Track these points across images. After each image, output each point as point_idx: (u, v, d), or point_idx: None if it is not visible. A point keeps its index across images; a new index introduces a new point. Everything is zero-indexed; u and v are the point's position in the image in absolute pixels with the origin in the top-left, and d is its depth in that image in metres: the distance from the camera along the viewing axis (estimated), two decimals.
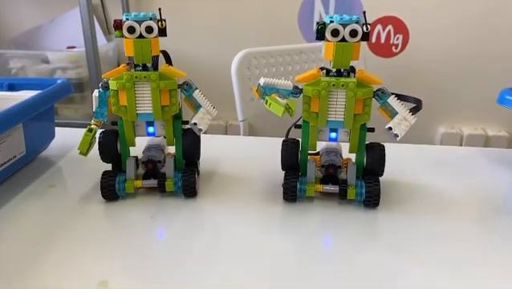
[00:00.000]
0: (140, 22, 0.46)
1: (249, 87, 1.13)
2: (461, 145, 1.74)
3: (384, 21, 1.62)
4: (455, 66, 1.66)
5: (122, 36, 0.47)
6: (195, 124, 0.49)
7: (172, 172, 0.51)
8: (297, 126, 0.50)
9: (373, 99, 0.47)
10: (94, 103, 0.50)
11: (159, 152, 0.52)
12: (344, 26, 0.44)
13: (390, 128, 0.47)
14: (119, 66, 0.49)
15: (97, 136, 0.50)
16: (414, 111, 0.48)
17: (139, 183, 0.51)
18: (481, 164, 0.64)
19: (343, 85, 0.45)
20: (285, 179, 0.50)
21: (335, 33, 0.44)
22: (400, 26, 1.63)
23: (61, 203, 0.52)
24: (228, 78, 1.14)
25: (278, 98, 0.47)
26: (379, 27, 1.64)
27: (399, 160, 0.51)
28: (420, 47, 1.65)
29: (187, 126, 0.51)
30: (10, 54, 1.54)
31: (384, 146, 0.50)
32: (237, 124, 1.47)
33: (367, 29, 0.44)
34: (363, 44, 1.79)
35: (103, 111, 0.50)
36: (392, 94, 0.48)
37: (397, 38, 1.64)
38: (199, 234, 0.47)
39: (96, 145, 0.50)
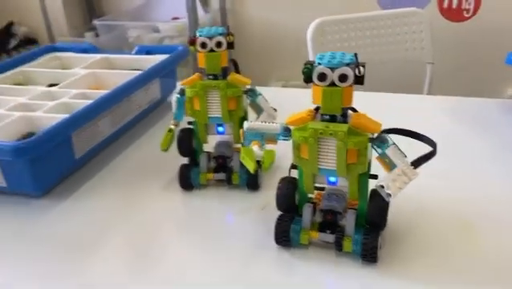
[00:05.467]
0: (211, 38, 0.51)
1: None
2: None
3: None
4: None
5: (196, 51, 0.52)
6: None
7: (238, 167, 0.56)
8: (294, 166, 0.45)
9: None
10: (173, 106, 0.56)
11: (228, 148, 0.58)
12: (333, 69, 0.39)
13: (382, 186, 0.40)
14: None
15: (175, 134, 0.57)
16: (425, 159, 0.41)
17: (210, 176, 0.57)
18: None
19: (331, 133, 0.40)
20: (277, 222, 0.46)
21: (321, 77, 0.39)
22: None
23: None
24: (300, 41, 1.34)
25: (256, 148, 0.44)
26: None
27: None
28: (490, 12, 1.72)
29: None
30: (128, 25, 1.88)
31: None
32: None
33: (359, 72, 0.39)
34: (434, 8, 1.85)
35: (181, 113, 0.56)
36: (406, 132, 0.42)
37: (469, 3, 1.73)
38: (256, 224, 0.52)
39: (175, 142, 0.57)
